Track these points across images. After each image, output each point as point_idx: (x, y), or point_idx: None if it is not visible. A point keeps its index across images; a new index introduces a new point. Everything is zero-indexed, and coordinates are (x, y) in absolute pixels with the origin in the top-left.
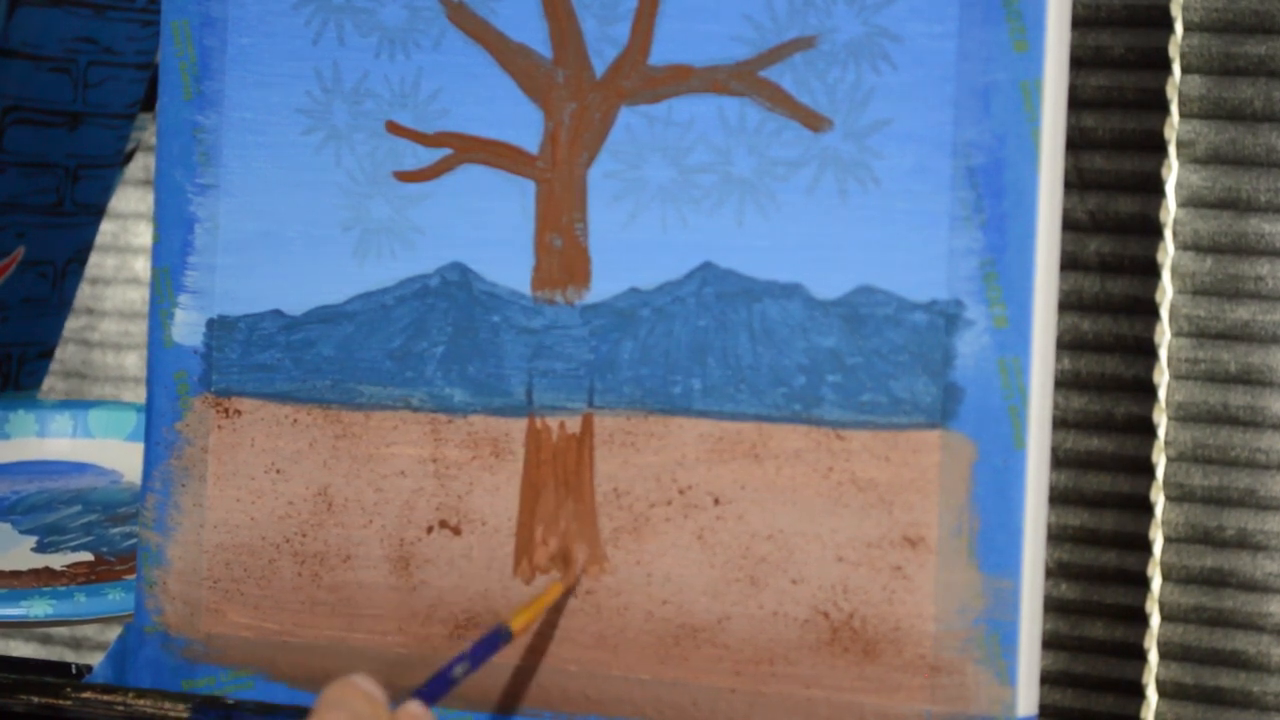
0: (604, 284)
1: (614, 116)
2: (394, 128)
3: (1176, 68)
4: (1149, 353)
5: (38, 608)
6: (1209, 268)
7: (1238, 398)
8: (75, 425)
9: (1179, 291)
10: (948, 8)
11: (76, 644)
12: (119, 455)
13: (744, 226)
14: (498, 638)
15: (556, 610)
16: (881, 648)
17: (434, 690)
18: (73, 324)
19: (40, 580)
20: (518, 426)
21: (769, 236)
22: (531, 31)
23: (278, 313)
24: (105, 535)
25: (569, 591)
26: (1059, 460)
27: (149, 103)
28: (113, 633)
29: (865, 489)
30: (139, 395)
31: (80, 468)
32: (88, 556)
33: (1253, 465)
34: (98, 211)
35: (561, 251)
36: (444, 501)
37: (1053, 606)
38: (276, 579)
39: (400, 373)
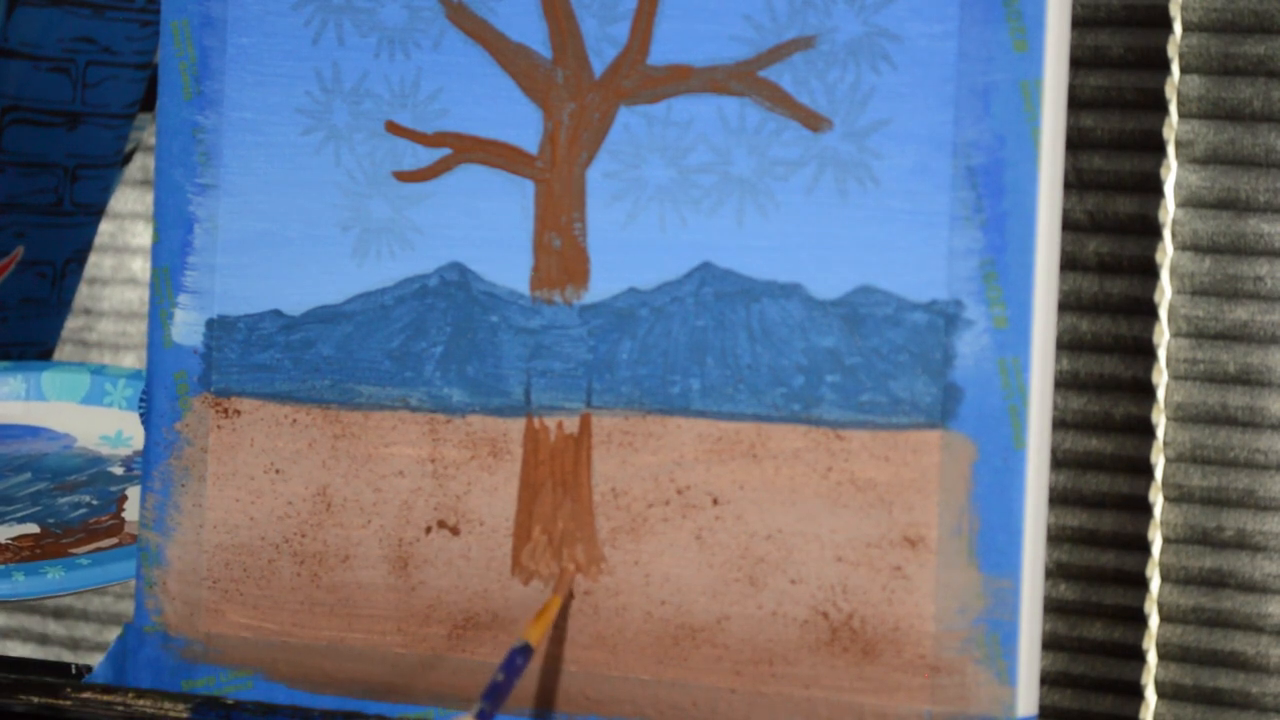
0: (602, 284)
1: (613, 116)
2: (393, 128)
3: (1175, 68)
4: (1148, 353)
5: None
6: (1208, 268)
7: (1237, 398)
8: (28, 387)
9: (1178, 292)
10: (948, 8)
11: (75, 644)
12: (72, 419)
13: (743, 226)
14: (520, 656)
15: (557, 614)
16: (881, 648)
17: None
18: (70, 324)
19: None
20: (516, 426)
21: (768, 236)
22: (531, 31)
23: (277, 313)
24: (53, 506)
25: (568, 600)
26: (1057, 461)
27: (149, 103)
28: (111, 633)
29: (865, 489)
30: None
31: (32, 431)
32: (33, 529)
33: (1252, 466)
34: (97, 211)
35: (560, 251)
36: (442, 501)
37: (1052, 607)
38: (276, 579)
39: (399, 373)
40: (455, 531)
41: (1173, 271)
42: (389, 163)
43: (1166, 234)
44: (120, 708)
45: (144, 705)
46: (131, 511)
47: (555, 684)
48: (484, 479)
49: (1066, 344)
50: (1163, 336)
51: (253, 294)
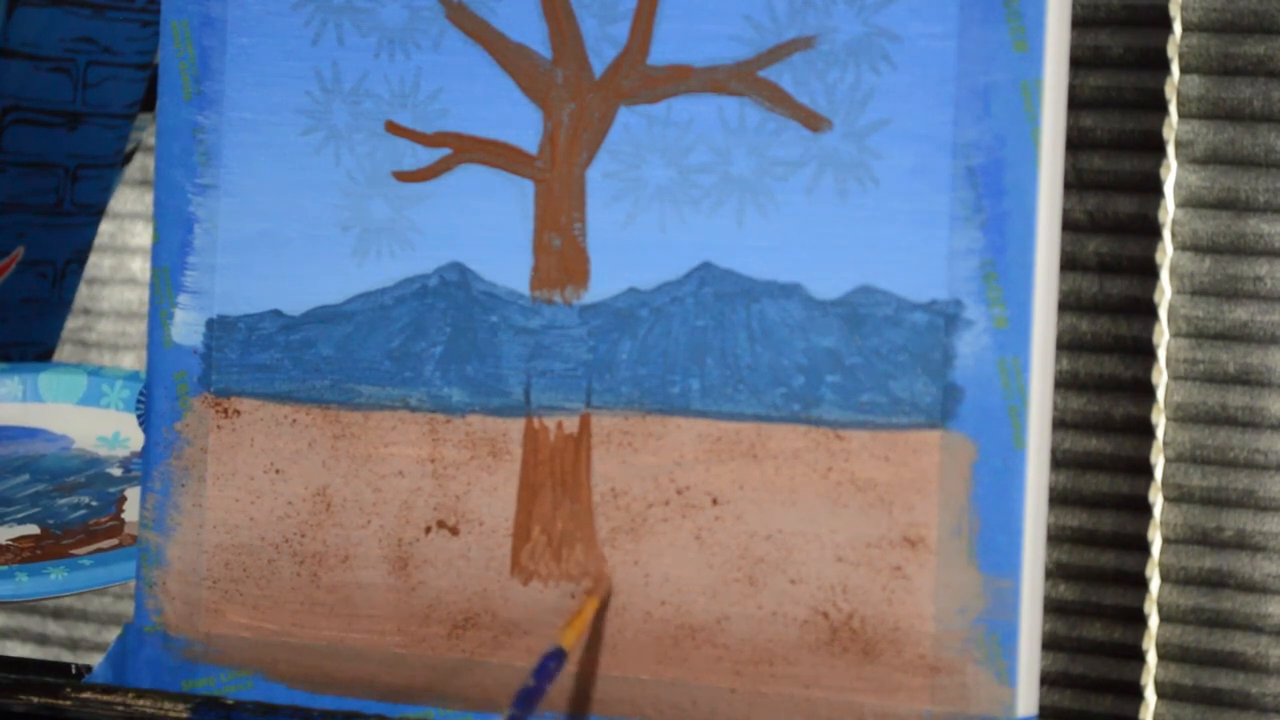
0: (602, 284)
1: (613, 116)
2: (393, 128)
3: (1175, 68)
4: (1148, 353)
5: None
6: (1207, 268)
7: (1236, 398)
8: (25, 389)
9: (1178, 292)
10: (948, 8)
11: (74, 645)
12: (70, 420)
13: (743, 226)
14: (553, 660)
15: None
16: (881, 648)
17: None
18: (70, 324)
19: None
20: (515, 427)
21: (768, 236)
22: (531, 32)
23: (277, 313)
24: (52, 507)
25: (605, 602)
26: (1057, 461)
27: (149, 103)
28: (111, 633)
29: (865, 489)
30: None
31: (30, 433)
32: (34, 530)
33: (1251, 466)
34: (97, 212)
35: (560, 251)
36: (442, 501)
37: (1051, 607)
38: (276, 579)
39: (399, 373)
40: (455, 531)
41: (1173, 271)
42: (389, 163)
43: (1166, 234)
44: (120, 708)
45: (144, 705)
46: (131, 512)
47: (555, 684)
48: (484, 479)
49: (1066, 344)
50: (1163, 336)
51: (253, 294)
